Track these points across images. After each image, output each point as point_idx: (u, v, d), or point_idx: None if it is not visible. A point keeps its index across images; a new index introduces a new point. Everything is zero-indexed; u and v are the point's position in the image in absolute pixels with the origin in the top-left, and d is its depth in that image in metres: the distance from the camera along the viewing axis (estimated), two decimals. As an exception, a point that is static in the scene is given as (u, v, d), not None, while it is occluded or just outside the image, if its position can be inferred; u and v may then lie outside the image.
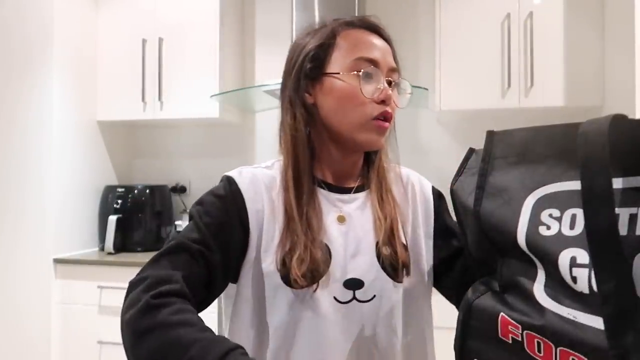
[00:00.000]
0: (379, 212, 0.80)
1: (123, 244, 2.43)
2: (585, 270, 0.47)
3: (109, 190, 2.51)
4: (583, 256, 0.47)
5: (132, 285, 0.67)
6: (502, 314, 0.53)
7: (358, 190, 0.83)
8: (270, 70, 2.63)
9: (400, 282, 0.78)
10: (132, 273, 2.23)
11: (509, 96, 2.14)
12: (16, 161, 2.32)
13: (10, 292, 2.30)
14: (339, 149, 0.81)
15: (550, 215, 0.52)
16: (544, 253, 0.51)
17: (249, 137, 2.72)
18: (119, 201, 2.45)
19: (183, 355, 0.56)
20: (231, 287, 0.79)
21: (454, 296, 0.81)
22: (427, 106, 2.44)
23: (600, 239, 0.45)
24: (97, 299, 2.21)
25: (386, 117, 0.78)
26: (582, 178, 0.47)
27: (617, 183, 0.47)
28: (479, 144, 0.70)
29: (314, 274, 0.72)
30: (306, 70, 0.80)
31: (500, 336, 0.53)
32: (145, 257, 2.29)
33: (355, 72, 0.77)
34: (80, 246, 2.43)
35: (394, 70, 0.81)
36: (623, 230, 0.46)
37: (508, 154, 0.60)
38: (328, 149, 0.82)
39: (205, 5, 2.41)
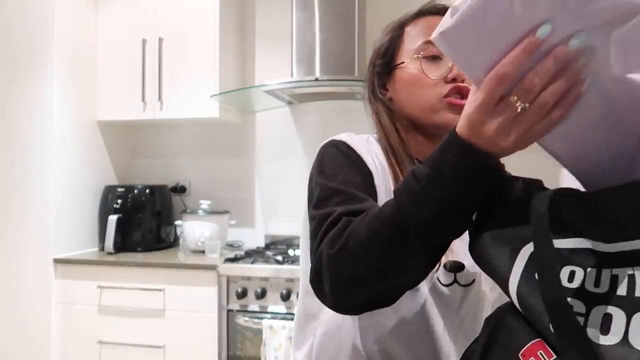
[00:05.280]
0: None
1: (123, 244, 2.43)
2: (581, 319, 0.46)
3: (109, 190, 2.51)
4: (579, 306, 0.46)
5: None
6: (540, 339, 0.48)
7: None
8: (270, 70, 2.63)
9: None
10: (132, 273, 2.24)
11: (509, 96, 2.14)
12: (16, 161, 2.32)
13: (11, 292, 2.30)
14: (426, 137, 0.80)
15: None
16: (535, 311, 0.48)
17: (249, 137, 2.72)
18: (119, 201, 2.45)
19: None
20: None
21: None
22: (427, 106, 2.44)
23: (552, 309, 0.44)
24: (97, 299, 2.21)
25: (461, 93, 0.74)
26: (534, 248, 0.46)
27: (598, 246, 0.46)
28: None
29: None
30: (378, 68, 0.82)
31: (519, 356, 0.49)
32: (146, 257, 2.31)
33: (417, 55, 0.77)
34: (80, 246, 2.42)
35: None
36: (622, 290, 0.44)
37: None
38: (415, 139, 0.81)
39: (205, 6, 2.41)
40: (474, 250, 0.57)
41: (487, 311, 0.78)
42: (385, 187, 0.75)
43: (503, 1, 0.41)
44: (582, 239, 0.47)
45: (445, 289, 0.74)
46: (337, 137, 0.78)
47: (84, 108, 2.48)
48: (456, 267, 0.74)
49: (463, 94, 0.74)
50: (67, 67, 2.36)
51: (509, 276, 0.51)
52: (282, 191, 2.64)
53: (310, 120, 2.63)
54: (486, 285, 0.77)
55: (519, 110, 0.43)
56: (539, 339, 0.48)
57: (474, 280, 0.75)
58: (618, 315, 0.44)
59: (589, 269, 0.47)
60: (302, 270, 0.83)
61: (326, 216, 0.64)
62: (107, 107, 2.53)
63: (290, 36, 2.39)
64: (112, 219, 2.37)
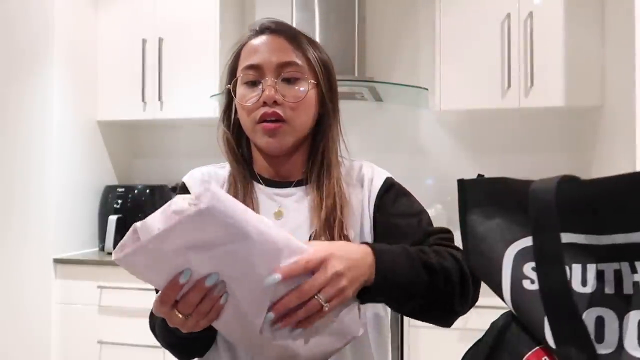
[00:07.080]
0: (316, 204, 0.81)
1: (123, 244, 2.42)
2: None
3: (109, 190, 2.51)
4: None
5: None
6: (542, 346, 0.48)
7: (299, 184, 0.85)
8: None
9: None
10: (132, 273, 2.13)
11: (509, 96, 2.14)
12: (16, 161, 2.32)
13: (11, 292, 2.30)
14: (262, 154, 0.86)
15: (533, 269, 0.48)
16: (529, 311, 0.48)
17: (249, 137, 2.72)
18: (119, 201, 2.45)
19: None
20: None
21: None
22: (427, 106, 2.43)
23: (553, 298, 0.44)
24: (97, 299, 2.21)
25: (276, 117, 0.79)
26: (533, 237, 0.47)
27: (581, 239, 0.46)
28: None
29: None
30: (228, 88, 0.86)
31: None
32: (145, 257, 2.30)
33: (233, 84, 0.83)
34: (80, 246, 2.43)
35: (286, 64, 0.80)
36: (589, 287, 0.45)
37: (483, 203, 0.56)
38: (257, 156, 0.87)
39: (205, 5, 2.41)
40: (470, 266, 0.58)
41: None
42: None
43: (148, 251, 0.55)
44: (570, 233, 0.47)
45: None
46: (184, 177, 0.89)
47: (84, 108, 2.48)
48: None
49: (277, 118, 0.79)
50: (67, 67, 2.36)
51: (502, 286, 0.51)
52: (282, 191, 2.63)
53: (310, 120, 2.63)
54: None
55: (187, 317, 0.60)
56: (540, 347, 0.48)
57: None
58: (609, 317, 0.43)
59: (573, 265, 0.46)
60: None
61: None
62: (107, 107, 2.53)
63: (290, 36, 2.39)
64: (112, 219, 2.37)
